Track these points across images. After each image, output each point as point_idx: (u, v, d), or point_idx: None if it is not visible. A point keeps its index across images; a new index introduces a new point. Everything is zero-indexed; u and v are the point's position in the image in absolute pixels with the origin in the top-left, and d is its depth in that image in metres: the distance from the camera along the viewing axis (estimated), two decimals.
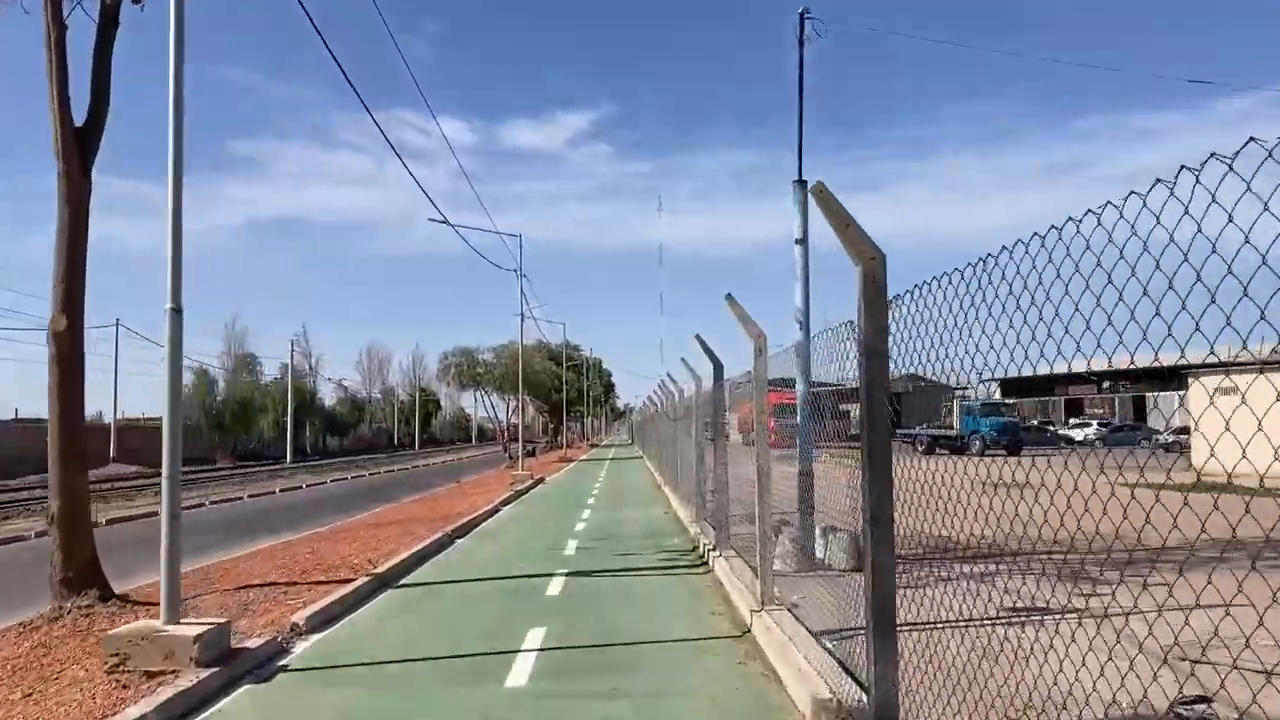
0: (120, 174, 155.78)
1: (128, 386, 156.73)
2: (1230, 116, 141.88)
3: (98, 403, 57.70)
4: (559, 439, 56.27)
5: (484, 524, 17.93)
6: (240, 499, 30.70)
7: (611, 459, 48.56)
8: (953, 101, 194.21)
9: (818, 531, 9.41)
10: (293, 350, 65.53)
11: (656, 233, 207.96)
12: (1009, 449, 38.35)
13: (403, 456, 75.16)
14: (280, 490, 34.36)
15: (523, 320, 27.16)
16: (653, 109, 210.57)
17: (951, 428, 53.21)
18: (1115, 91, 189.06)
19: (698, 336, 10.34)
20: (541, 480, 30.74)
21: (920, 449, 43.51)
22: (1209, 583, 2.90)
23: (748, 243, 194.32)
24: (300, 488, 36.40)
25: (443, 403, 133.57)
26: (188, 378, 66.72)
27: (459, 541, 15.45)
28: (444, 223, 23.27)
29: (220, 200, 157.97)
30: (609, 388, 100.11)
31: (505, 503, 21.56)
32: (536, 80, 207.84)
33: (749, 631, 7.93)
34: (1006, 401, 43.01)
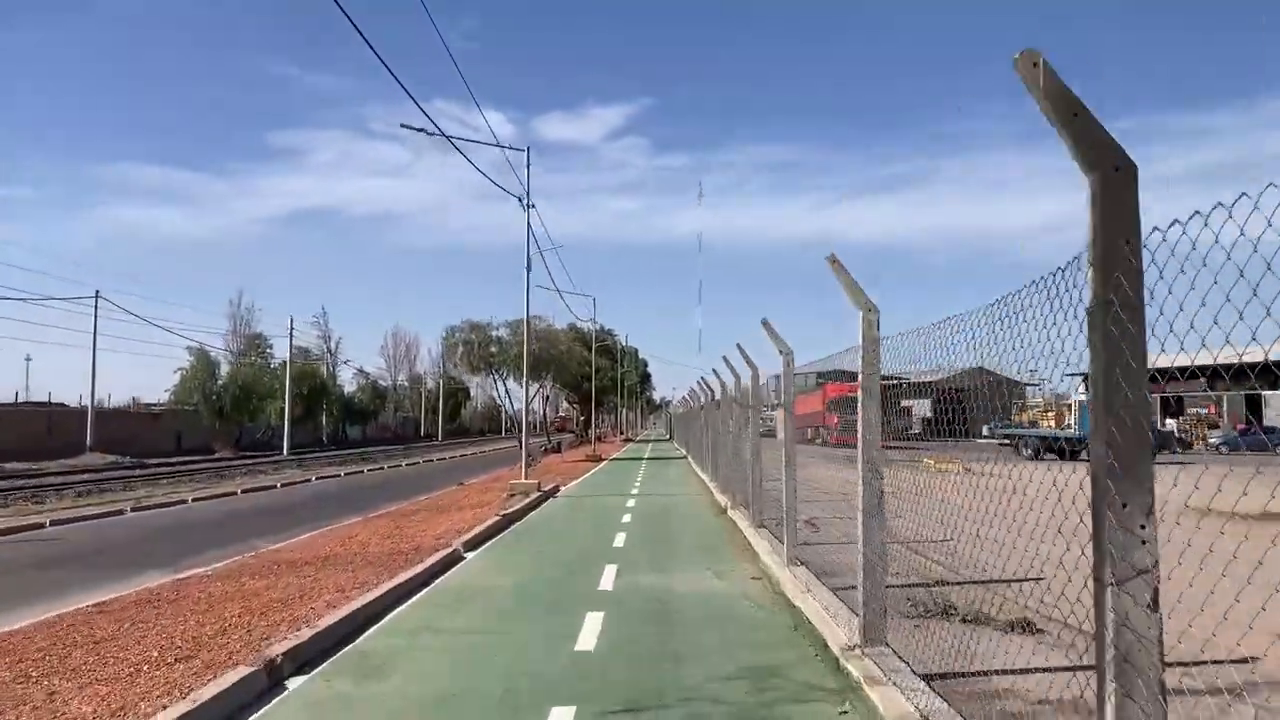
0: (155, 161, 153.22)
1: (111, 368, 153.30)
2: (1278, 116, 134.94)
3: (77, 385, 52.13)
4: (589, 432, 49.43)
5: (410, 601, 9.20)
6: (185, 502, 24.44)
7: (649, 459, 41.39)
8: (989, 98, 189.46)
9: None
10: (291, 328, 59.22)
11: (692, 225, 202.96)
12: None
13: (423, 449, 69.22)
14: (242, 491, 28.02)
15: (529, 268, 19.82)
16: (689, 103, 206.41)
17: (1048, 425, 46.36)
18: (1156, 91, 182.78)
19: None
20: (553, 493, 21.92)
21: (1026, 453, 36.13)
22: None
23: (781, 238, 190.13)
24: (275, 487, 30.10)
25: (473, 391, 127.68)
26: (185, 358, 61.11)
27: (295, 688, 6.27)
28: (423, 131, 16.60)
29: (255, 192, 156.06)
30: (645, 378, 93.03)
31: (478, 541, 13.05)
32: (572, 74, 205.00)
33: None
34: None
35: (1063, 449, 32.07)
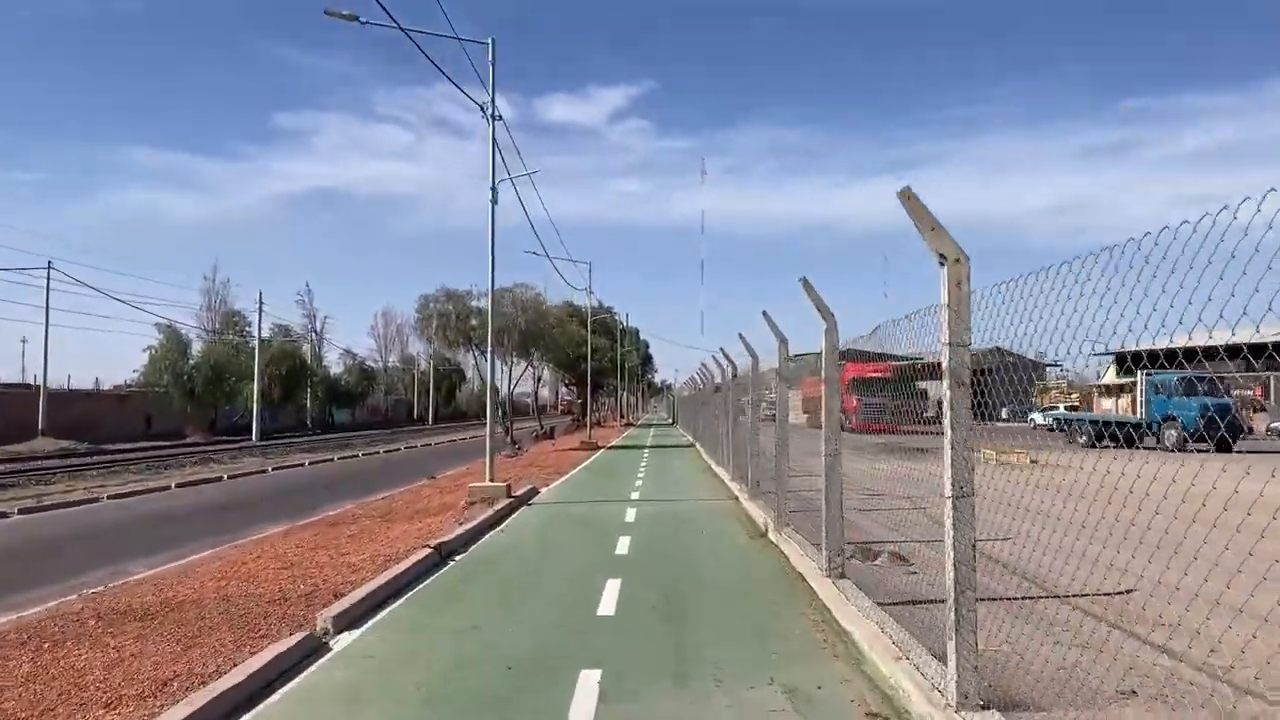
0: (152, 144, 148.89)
1: (68, 345, 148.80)
2: None
3: (68, 366, 48.04)
4: (586, 417, 45.21)
5: None
6: (97, 500, 20.45)
7: (651, 447, 37.21)
8: (997, 81, 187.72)
9: None
10: (260, 303, 54.60)
11: (696, 208, 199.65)
12: (1219, 443, 26.62)
13: (411, 433, 65.27)
14: (178, 485, 24.01)
15: (494, 199, 15.15)
16: (692, 86, 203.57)
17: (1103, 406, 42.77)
18: (1164, 71, 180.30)
19: None
20: (527, 499, 16.34)
21: (1081, 439, 31.66)
22: None
23: (785, 221, 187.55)
24: (220, 479, 26.12)
25: (469, 373, 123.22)
26: (153, 337, 56.99)
27: None
28: (357, 19, 12.39)
29: (258, 175, 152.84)
30: (646, 360, 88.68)
31: (378, 603, 7.90)
32: (574, 55, 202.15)
33: None
34: (1211, 375, 30.65)
35: (1116, 434, 27.72)
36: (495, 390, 15.21)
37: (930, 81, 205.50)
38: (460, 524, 11.71)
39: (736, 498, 15.86)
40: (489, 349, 15.20)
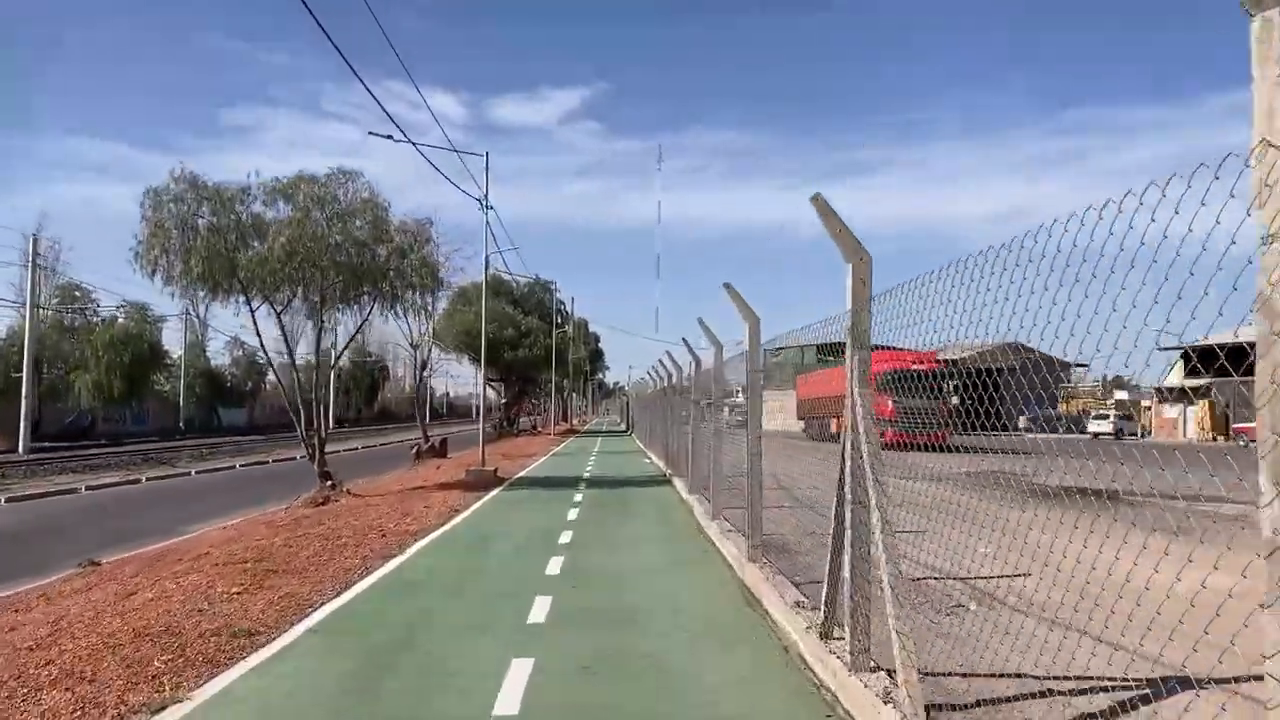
0: None
1: None
2: (1221, 111, 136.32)
3: None
4: (513, 422, 31.82)
5: None
6: None
7: (590, 482, 22.74)
8: (946, 88, 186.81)
9: None
10: (35, 253, 39.50)
11: (649, 207, 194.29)
12: None
13: (288, 441, 51.58)
14: None
15: None
16: (643, 88, 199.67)
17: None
18: (1107, 84, 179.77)
19: None
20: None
21: None
22: None
23: (739, 222, 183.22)
24: None
25: (399, 369, 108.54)
26: None
27: None
28: None
29: (205, 169, 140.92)
30: (596, 355, 75.54)
31: None
32: (527, 56, 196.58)
33: None
34: None
35: None
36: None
37: (875, 88, 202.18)
38: None
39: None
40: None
